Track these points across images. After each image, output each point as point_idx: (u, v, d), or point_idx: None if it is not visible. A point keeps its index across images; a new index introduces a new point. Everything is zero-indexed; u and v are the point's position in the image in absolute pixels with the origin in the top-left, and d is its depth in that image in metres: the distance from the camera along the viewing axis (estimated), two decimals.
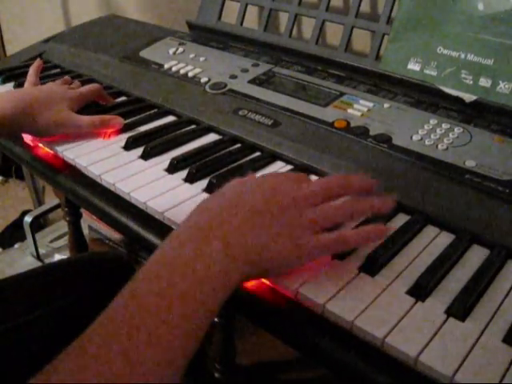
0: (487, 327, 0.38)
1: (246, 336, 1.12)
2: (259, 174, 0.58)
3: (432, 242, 0.47)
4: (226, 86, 0.74)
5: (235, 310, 0.47)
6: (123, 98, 0.78)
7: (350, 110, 0.65)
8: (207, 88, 0.74)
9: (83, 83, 0.75)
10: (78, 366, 0.31)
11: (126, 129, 0.68)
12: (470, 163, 0.54)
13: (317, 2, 0.85)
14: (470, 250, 0.46)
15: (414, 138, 0.59)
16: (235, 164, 0.60)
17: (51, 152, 0.66)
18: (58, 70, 0.87)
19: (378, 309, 0.39)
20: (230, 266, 0.38)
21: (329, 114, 0.65)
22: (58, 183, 0.64)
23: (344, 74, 0.74)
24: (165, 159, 0.61)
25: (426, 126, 0.61)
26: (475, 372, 0.35)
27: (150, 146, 0.63)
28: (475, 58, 0.65)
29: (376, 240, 0.44)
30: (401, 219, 0.50)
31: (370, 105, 0.66)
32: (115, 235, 1.33)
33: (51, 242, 1.50)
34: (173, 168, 0.59)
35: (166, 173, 0.59)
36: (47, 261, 1.45)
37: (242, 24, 0.89)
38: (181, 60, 0.82)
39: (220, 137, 0.66)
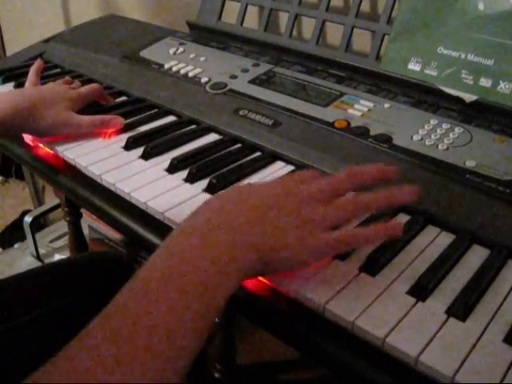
0: (488, 327, 0.38)
1: (246, 336, 1.12)
2: (259, 174, 0.59)
3: (432, 242, 0.47)
4: (226, 85, 0.74)
5: (235, 309, 0.47)
6: (123, 98, 0.78)
7: (350, 110, 0.65)
8: (207, 88, 0.74)
9: (83, 83, 0.75)
10: (75, 365, 0.30)
11: (126, 129, 0.68)
12: (470, 163, 0.54)
13: (317, 2, 0.85)
14: (470, 250, 0.46)
15: (415, 138, 0.59)
16: (235, 164, 0.60)
17: (51, 152, 0.66)
18: (59, 70, 0.87)
19: (378, 309, 0.39)
20: (236, 258, 0.37)
21: (329, 114, 0.65)
22: (59, 183, 0.64)
23: (344, 74, 0.74)
24: (165, 159, 0.61)
25: (426, 126, 0.61)
26: (476, 372, 0.35)
27: (151, 146, 0.63)
28: (476, 58, 0.65)
29: (388, 238, 0.43)
30: (401, 219, 0.50)
31: (371, 105, 0.66)
32: (115, 235, 1.33)
33: (51, 242, 1.50)
34: (173, 168, 0.59)
35: (167, 173, 0.59)
36: (47, 261, 1.45)
37: (242, 24, 0.89)
38: (181, 60, 0.82)
39: (220, 137, 0.66)
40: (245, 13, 0.89)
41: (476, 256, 0.46)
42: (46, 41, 0.97)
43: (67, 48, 0.93)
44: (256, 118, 0.66)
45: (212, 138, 0.66)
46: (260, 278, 0.43)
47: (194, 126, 0.69)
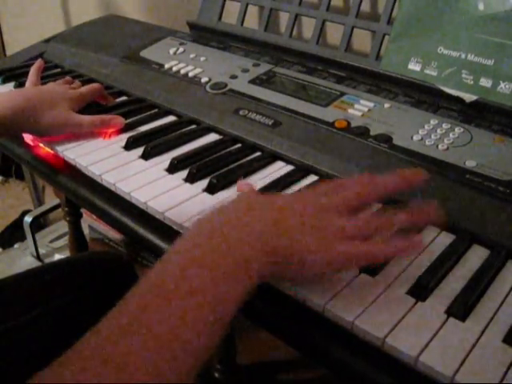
0: (487, 327, 0.38)
1: (246, 336, 1.12)
2: (259, 173, 0.59)
3: (432, 242, 0.47)
4: (226, 85, 0.74)
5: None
6: (124, 98, 0.78)
7: (350, 110, 0.65)
8: (208, 88, 0.74)
9: (84, 83, 0.75)
10: (84, 366, 0.30)
11: (126, 129, 0.68)
12: (470, 163, 0.54)
13: (317, 2, 0.85)
14: (470, 250, 0.46)
15: (415, 138, 0.59)
16: (235, 164, 0.60)
17: (52, 152, 0.66)
18: (59, 70, 0.87)
19: (378, 309, 0.39)
20: (249, 262, 0.36)
21: (329, 114, 0.65)
22: (59, 183, 0.64)
23: (344, 74, 0.74)
24: (165, 159, 0.61)
25: (426, 126, 0.61)
26: (475, 372, 0.35)
27: (151, 145, 0.63)
28: (476, 58, 0.65)
29: (410, 254, 0.42)
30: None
31: (371, 105, 0.66)
32: (115, 235, 1.33)
33: (51, 242, 1.50)
34: (173, 168, 0.59)
35: (167, 173, 0.59)
36: (47, 261, 1.44)
37: (242, 24, 0.89)
38: (181, 60, 0.82)
39: (220, 137, 0.66)
40: (245, 13, 0.89)
41: (476, 256, 0.46)
42: (46, 41, 0.97)
43: (67, 48, 0.93)
44: (256, 118, 0.66)
45: (212, 137, 0.66)
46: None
47: (194, 126, 0.69)
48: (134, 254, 1.27)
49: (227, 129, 0.66)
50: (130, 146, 0.64)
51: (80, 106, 0.69)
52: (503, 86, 0.63)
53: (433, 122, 0.61)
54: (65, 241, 1.46)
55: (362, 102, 0.67)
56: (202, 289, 0.34)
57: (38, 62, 0.77)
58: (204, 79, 0.76)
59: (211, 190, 0.55)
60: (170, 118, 0.72)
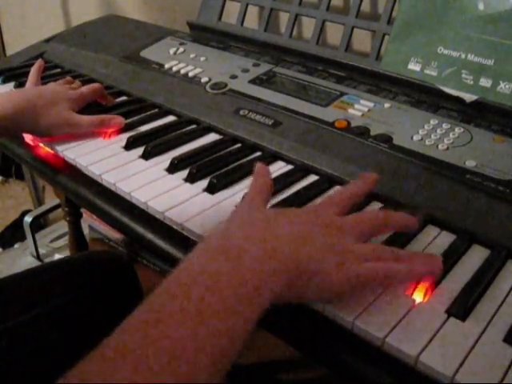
0: (488, 327, 0.38)
1: None
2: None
3: (432, 242, 0.47)
4: (226, 85, 0.74)
5: None
6: (124, 98, 0.78)
7: (350, 110, 0.65)
8: (208, 88, 0.74)
9: (84, 83, 0.75)
10: (106, 370, 0.29)
11: (126, 129, 0.68)
12: (470, 163, 0.54)
13: (317, 2, 0.85)
14: (470, 249, 0.46)
15: (415, 138, 0.59)
16: (235, 164, 0.60)
17: (52, 152, 0.66)
18: (59, 70, 0.87)
19: (378, 308, 0.39)
20: (265, 280, 0.34)
21: (329, 113, 0.65)
22: (59, 183, 0.64)
23: (344, 74, 0.74)
24: (165, 159, 0.61)
25: (426, 126, 0.61)
26: (476, 372, 0.35)
27: (151, 145, 0.63)
28: (476, 58, 0.65)
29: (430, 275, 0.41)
30: None
31: (371, 105, 0.66)
32: (115, 235, 1.33)
33: (51, 242, 1.50)
34: (173, 168, 0.59)
35: (167, 173, 0.59)
36: (47, 261, 1.44)
37: (242, 24, 0.89)
38: (181, 60, 0.82)
39: (220, 137, 0.66)
40: (245, 13, 0.89)
41: (476, 256, 0.46)
42: (47, 41, 0.97)
43: (67, 48, 0.93)
44: (256, 118, 0.66)
45: (212, 137, 0.66)
46: None
47: (194, 126, 0.69)
48: (134, 254, 1.26)
49: (227, 129, 0.66)
50: (130, 145, 0.64)
51: (80, 106, 0.69)
52: (503, 86, 0.63)
53: (433, 122, 0.61)
54: (65, 241, 1.46)
55: (362, 101, 0.67)
56: (212, 312, 0.32)
57: (38, 62, 0.77)
58: (204, 79, 0.76)
59: (211, 189, 0.55)
60: (170, 118, 0.72)
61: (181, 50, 0.86)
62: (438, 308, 0.40)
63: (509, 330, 0.38)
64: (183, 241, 0.50)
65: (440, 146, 0.57)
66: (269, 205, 0.51)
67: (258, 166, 0.49)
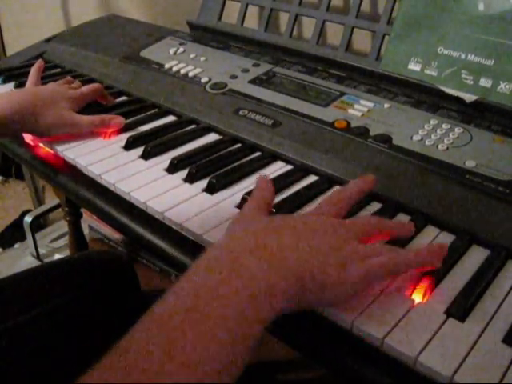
0: (487, 328, 0.38)
1: None
2: (259, 174, 0.58)
3: (432, 243, 0.47)
4: (226, 85, 0.74)
5: None
6: (124, 98, 0.78)
7: (350, 110, 0.65)
8: (207, 88, 0.74)
9: (84, 83, 0.75)
10: None
11: (126, 129, 0.68)
12: (470, 163, 0.54)
13: (317, 2, 0.85)
14: (469, 250, 0.46)
15: (415, 138, 0.59)
16: (235, 164, 0.60)
17: (51, 152, 0.66)
18: (59, 70, 0.87)
19: (377, 309, 0.39)
20: (272, 278, 0.34)
21: (329, 114, 0.65)
22: (58, 183, 0.64)
23: (344, 74, 0.74)
24: (165, 159, 0.61)
25: (426, 126, 0.61)
26: (475, 372, 0.35)
27: (150, 145, 0.63)
28: (476, 58, 0.65)
29: (434, 264, 0.41)
30: (401, 219, 0.50)
31: (371, 105, 0.66)
32: (115, 235, 1.33)
33: (51, 242, 1.50)
34: (173, 168, 0.59)
35: (166, 173, 0.59)
36: (47, 261, 1.44)
37: (242, 24, 0.89)
38: (181, 60, 0.82)
39: (220, 137, 0.66)
40: (245, 13, 0.89)
41: (475, 256, 0.46)
42: (47, 41, 0.97)
43: (67, 48, 0.93)
44: (256, 118, 0.66)
45: (212, 137, 0.66)
46: None
47: (193, 126, 0.69)
48: (134, 254, 1.27)
49: (227, 129, 0.66)
50: (129, 145, 0.64)
51: (80, 106, 0.69)
52: (503, 86, 0.63)
53: (433, 122, 0.61)
54: (65, 241, 1.46)
55: (361, 102, 0.67)
56: (216, 321, 0.31)
57: (39, 63, 0.77)
58: (204, 79, 0.76)
59: (211, 190, 0.55)
60: (170, 118, 0.72)
61: (181, 50, 0.86)
62: (437, 308, 0.40)
63: (508, 331, 0.38)
64: (182, 241, 0.50)
65: (440, 147, 0.57)
66: None
67: (260, 178, 0.49)
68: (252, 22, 0.93)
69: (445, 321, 0.39)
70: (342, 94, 0.69)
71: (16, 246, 1.52)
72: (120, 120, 0.68)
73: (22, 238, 1.51)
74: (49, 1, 1.49)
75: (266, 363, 1.14)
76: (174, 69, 0.80)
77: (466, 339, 0.37)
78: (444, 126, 0.60)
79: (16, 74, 0.85)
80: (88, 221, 1.35)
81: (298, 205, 0.53)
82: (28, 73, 0.75)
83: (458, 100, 0.65)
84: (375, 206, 0.52)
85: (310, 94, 0.70)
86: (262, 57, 0.81)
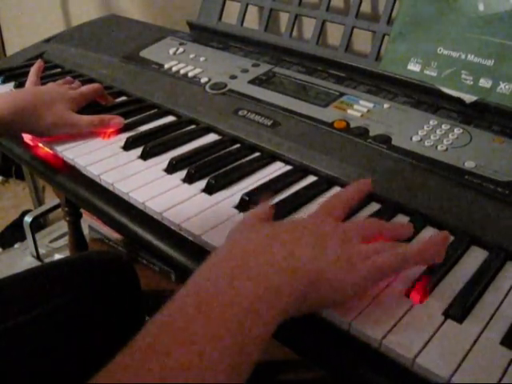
0: (485, 329, 0.38)
1: None
2: (258, 174, 0.58)
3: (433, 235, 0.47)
4: (226, 86, 0.74)
5: None
6: (123, 98, 0.78)
7: (349, 111, 0.65)
8: (207, 88, 0.74)
9: (84, 83, 0.75)
10: None
11: (125, 129, 0.68)
12: (469, 164, 0.54)
13: (317, 2, 0.85)
14: (468, 251, 0.46)
15: (414, 138, 0.59)
16: (234, 164, 0.59)
17: (51, 152, 0.66)
18: (59, 70, 0.87)
19: (375, 310, 0.39)
20: (277, 281, 0.34)
21: (329, 114, 0.65)
22: (58, 183, 0.64)
23: (344, 75, 0.74)
24: (164, 159, 0.61)
25: (425, 127, 0.61)
26: (473, 374, 0.34)
27: (150, 146, 0.63)
28: (475, 58, 0.65)
29: (439, 255, 0.41)
30: (400, 220, 0.50)
31: (370, 105, 0.66)
32: (115, 235, 1.33)
33: (51, 242, 1.50)
34: (172, 168, 0.59)
35: (165, 173, 0.59)
36: (47, 261, 1.44)
37: (242, 24, 0.89)
38: (181, 60, 0.82)
39: (219, 137, 0.66)
40: (245, 13, 0.89)
41: (474, 257, 0.45)
42: (47, 41, 0.97)
43: (67, 48, 0.93)
44: (255, 119, 0.66)
45: (211, 138, 0.66)
46: None
47: (193, 126, 0.69)
48: (134, 254, 1.27)
49: (226, 129, 0.66)
50: (128, 146, 0.64)
51: (80, 106, 0.69)
52: (503, 87, 0.63)
53: (432, 122, 0.61)
54: (65, 241, 1.46)
55: (361, 102, 0.67)
56: (223, 329, 0.31)
57: (38, 63, 0.77)
58: (204, 79, 0.76)
59: (209, 190, 0.55)
60: (170, 118, 0.72)
61: (180, 50, 0.86)
62: (436, 310, 0.40)
63: (506, 333, 0.37)
64: (181, 241, 0.50)
65: (439, 147, 0.57)
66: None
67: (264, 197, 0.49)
68: (252, 22, 0.93)
69: (443, 322, 0.39)
70: (342, 94, 0.69)
71: (16, 246, 1.52)
72: (119, 120, 0.68)
73: (22, 238, 1.51)
74: (48, 1, 1.50)
75: (266, 363, 1.14)
76: (174, 69, 0.80)
77: (465, 340, 0.37)
78: (444, 126, 0.60)
79: (16, 74, 0.85)
80: (88, 221, 1.35)
81: (297, 205, 0.53)
82: (28, 73, 0.76)
83: (458, 100, 0.65)
84: (374, 206, 0.52)
85: (309, 94, 0.70)
86: (261, 57, 0.81)
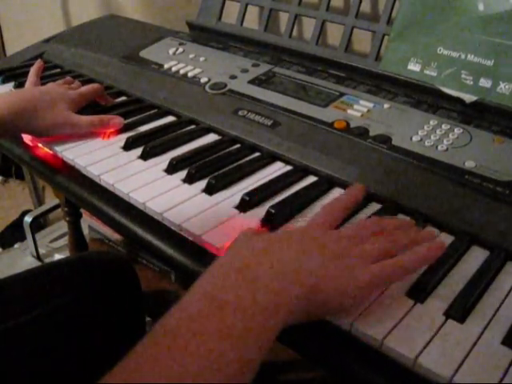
0: (486, 329, 0.38)
1: None
2: (258, 174, 0.58)
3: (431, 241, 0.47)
4: (225, 86, 0.74)
5: None
6: (123, 98, 0.78)
7: (349, 111, 0.65)
8: (207, 88, 0.74)
9: (83, 83, 0.75)
10: None
11: (125, 129, 0.68)
12: (469, 164, 0.54)
13: (317, 2, 0.85)
14: (469, 251, 0.46)
15: (414, 138, 0.59)
16: (234, 164, 0.59)
17: (51, 152, 0.66)
18: (58, 70, 0.87)
19: (377, 310, 0.39)
20: (281, 294, 0.35)
21: (329, 114, 0.65)
22: (58, 183, 0.64)
23: (344, 75, 0.74)
24: (164, 159, 0.61)
25: (425, 127, 0.61)
26: (474, 374, 0.35)
27: (150, 146, 0.62)
28: (475, 58, 0.65)
29: (434, 259, 0.42)
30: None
31: (370, 105, 0.66)
32: (115, 235, 1.33)
33: (51, 242, 1.50)
34: (172, 168, 0.59)
35: (165, 173, 0.59)
36: (47, 261, 1.44)
37: (242, 24, 0.89)
38: (181, 60, 0.82)
39: (219, 137, 0.66)
40: (245, 13, 0.88)
41: (475, 257, 0.45)
42: (46, 41, 0.97)
43: (67, 48, 0.93)
44: (255, 119, 0.66)
45: (211, 138, 0.66)
46: None
47: (193, 127, 0.69)
48: (134, 254, 1.27)
49: (226, 129, 0.66)
50: (128, 146, 0.64)
51: (79, 107, 0.69)
52: (503, 87, 0.63)
53: (432, 122, 0.61)
54: (65, 241, 1.46)
55: (361, 102, 0.67)
56: (223, 339, 0.32)
57: (38, 63, 0.77)
58: (203, 79, 0.76)
59: (210, 190, 0.55)
60: (169, 119, 0.72)
61: (180, 50, 0.86)
62: (437, 310, 0.40)
63: (507, 332, 0.37)
64: (181, 241, 0.50)
65: (439, 147, 0.57)
66: (267, 205, 0.51)
67: None
68: (252, 22, 0.93)
69: (444, 322, 0.39)
70: (342, 94, 0.69)
71: (16, 246, 1.52)
72: (119, 120, 0.68)
73: (22, 238, 1.51)
74: (49, 1, 1.49)
75: (266, 363, 1.13)
76: (174, 69, 0.80)
77: (466, 340, 0.37)
78: (444, 126, 0.60)
79: (16, 74, 0.85)
80: (88, 221, 1.35)
81: (297, 205, 0.53)
82: (27, 73, 0.75)
83: (458, 100, 0.65)
84: (374, 206, 0.52)
85: (309, 94, 0.70)
86: (261, 57, 0.81)
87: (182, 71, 0.79)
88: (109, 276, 0.71)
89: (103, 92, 0.74)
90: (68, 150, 0.64)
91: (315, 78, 0.74)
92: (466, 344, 0.37)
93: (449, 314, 0.39)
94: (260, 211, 0.51)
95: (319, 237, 0.40)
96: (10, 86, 0.83)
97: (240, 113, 0.67)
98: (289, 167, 0.59)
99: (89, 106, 0.71)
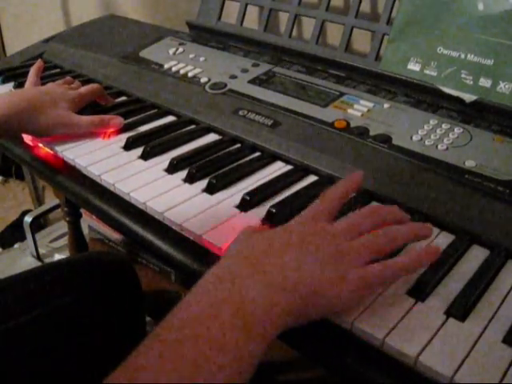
0: (487, 328, 0.38)
1: None
2: (259, 174, 0.58)
3: (432, 243, 0.47)
4: (225, 86, 0.74)
5: None
6: (123, 98, 0.78)
7: (350, 110, 0.65)
8: (207, 88, 0.74)
9: (83, 83, 0.75)
10: None
11: (125, 129, 0.68)
12: (469, 163, 0.54)
13: (317, 2, 0.85)
14: (469, 250, 0.46)
15: (414, 138, 0.59)
16: (235, 164, 0.60)
17: (51, 152, 0.66)
18: (58, 70, 0.87)
19: (377, 309, 0.39)
20: (273, 300, 0.35)
21: (329, 114, 0.65)
22: (58, 183, 0.64)
23: (344, 74, 0.74)
24: (164, 159, 0.61)
25: (426, 126, 0.61)
26: (475, 372, 0.35)
27: (150, 146, 0.63)
28: (475, 58, 0.65)
29: (427, 263, 0.42)
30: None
31: (370, 105, 0.66)
32: (115, 235, 1.33)
33: (51, 242, 1.50)
34: (172, 168, 0.59)
35: (166, 173, 0.59)
36: (47, 261, 1.44)
37: (241, 24, 0.89)
38: (181, 60, 0.82)
39: (220, 137, 0.66)
40: (245, 13, 0.89)
41: (475, 256, 0.46)
42: (46, 41, 0.97)
43: (67, 48, 0.93)
44: (255, 118, 0.66)
45: (211, 138, 0.66)
46: None
47: (193, 126, 0.69)
48: (134, 254, 1.26)
49: (226, 129, 0.66)
50: (129, 146, 0.64)
51: (79, 107, 0.69)
52: (503, 86, 0.63)
53: (432, 122, 0.61)
54: (65, 241, 1.46)
55: (361, 102, 0.67)
56: (216, 346, 0.32)
57: (38, 63, 0.77)
58: (203, 79, 0.76)
59: (210, 190, 0.55)
60: (170, 118, 0.72)
61: (180, 50, 0.86)
62: (438, 308, 0.40)
63: (508, 331, 0.38)
64: (182, 241, 0.50)
65: (439, 146, 0.57)
66: (268, 204, 0.52)
67: None
68: (251, 22, 0.93)
69: (445, 321, 0.39)
70: (342, 94, 0.69)
71: (16, 246, 1.52)
72: (119, 120, 0.68)
73: (22, 238, 1.51)
74: (49, 1, 1.49)
75: (266, 363, 1.13)
76: (174, 69, 0.80)
77: (467, 339, 0.37)
78: (444, 125, 0.60)
79: (16, 74, 0.85)
80: (88, 221, 1.35)
81: (297, 205, 0.53)
82: (27, 73, 0.75)
83: (458, 100, 0.65)
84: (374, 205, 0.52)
85: (309, 94, 0.70)
86: (261, 57, 0.81)
87: (182, 71, 0.79)
88: (109, 276, 0.71)
89: (103, 92, 0.74)
90: (68, 149, 0.64)
91: (315, 77, 0.74)
92: (467, 342, 0.37)
93: (450, 313, 0.39)
94: (261, 211, 0.51)
95: (315, 238, 0.40)
96: (9, 86, 0.83)
97: (240, 113, 0.68)
98: (289, 167, 0.59)
99: (89, 106, 0.71)
